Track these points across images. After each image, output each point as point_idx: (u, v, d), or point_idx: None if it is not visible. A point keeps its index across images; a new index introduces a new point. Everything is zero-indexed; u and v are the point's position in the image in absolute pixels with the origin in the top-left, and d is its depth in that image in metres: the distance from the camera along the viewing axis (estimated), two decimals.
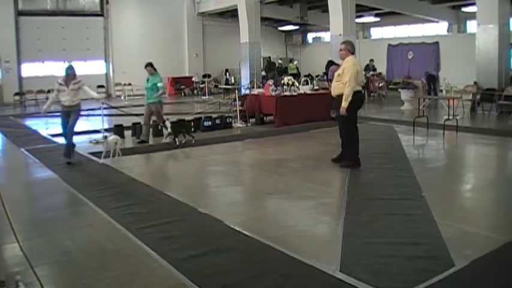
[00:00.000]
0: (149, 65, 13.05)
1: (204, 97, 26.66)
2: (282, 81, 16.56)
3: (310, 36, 38.35)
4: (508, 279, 4.64)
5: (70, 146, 10.38)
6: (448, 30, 29.76)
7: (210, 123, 14.75)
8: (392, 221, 6.28)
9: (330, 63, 17.18)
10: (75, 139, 10.90)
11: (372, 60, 27.30)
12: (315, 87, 17.63)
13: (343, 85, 8.96)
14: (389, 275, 4.68)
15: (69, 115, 10.20)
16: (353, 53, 9.25)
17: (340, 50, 9.27)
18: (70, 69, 10.42)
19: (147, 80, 13.03)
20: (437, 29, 30.24)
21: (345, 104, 8.90)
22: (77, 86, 10.24)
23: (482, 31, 17.58)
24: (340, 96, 9.03)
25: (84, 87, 10.43)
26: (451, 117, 13.43)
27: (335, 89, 9.22)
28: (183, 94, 29.04)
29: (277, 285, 4.57)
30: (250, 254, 5.31)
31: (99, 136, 13.34)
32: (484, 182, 8.77)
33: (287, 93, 15.74)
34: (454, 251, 5.16)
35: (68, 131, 10.24)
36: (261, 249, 5.42)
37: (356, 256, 5.16)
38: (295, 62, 32.91)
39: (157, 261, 5.16)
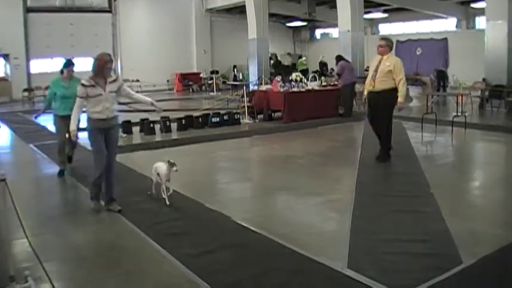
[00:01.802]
0: (71, 64, 9.22)
1: (212, 93, 26.69)
2: (290, 77, 16.55)
3: (318, 33, 38.24)
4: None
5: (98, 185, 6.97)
6: (456, 27, 29.59)
7: (218, 119, 14.75)
8: (401, 217, 6.27)
9: (339, 58, 17.13)
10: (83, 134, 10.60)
11: None
12: (323, 84, 17.58)
13: (389, 80, 9.23)
14: (397, 272, 4.68)
15: (108, 135, 6.77)
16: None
17: (381, 46, 9.47)
18: (70, 64, 9.12)
19: (63, 86, 9.02)
20: (446, 25, 30.07)
21: (402, 99, 9.28)
22: (117, 86, 6.82)
23: (491, 27, 17.47)
24: (384, 91, 9.25)
25: (126, 88, 7.15)
26: (459, 114, 13.39)
27: (381, 83, 9.29)
28: (191, 90, 29.06)
29: (285, 282, 4.58)
30: (258, 251, 5.32)
31: None
32: (492, 179, 8.74)
33: (295, 89, 15.72)
34: (462, 249, 5.15)
35: (111, 165, 6.85)
36: (269, 246, 5.43)
37: (364, 253, 5.16)
38: (304, 58, 32.83)
39: (166, 257, 5.18)
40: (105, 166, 6.70)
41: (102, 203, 6.98)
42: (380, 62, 9.33)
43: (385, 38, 9.69)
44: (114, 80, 6.81)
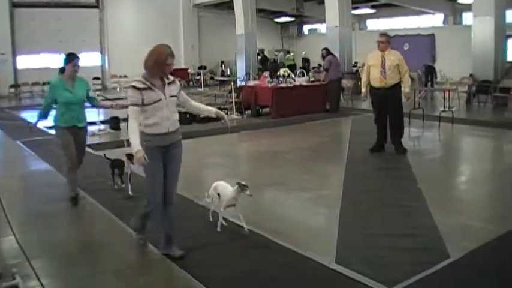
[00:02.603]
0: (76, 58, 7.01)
1: (200, 89, 26.58)
2: (278, 73, 16.56)
3: (306, 28, 38.25)
4: (504, 270, 4.66)
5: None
6: (444, 22, 29.70)
7: (206, 115, 14.70)
8: (389, 212, 6.30)
9: (326, 50, 17.08)
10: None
11: None
12: (311, 79, 17.60)
13: (397, 75, 9.44)
14: (385, 266, 4.70)
15: (169, 155, 5.13)
16: None
17: (382, 42, 9.64)
18: (74, 58, 6.94)
19: (67, 88, 6.93)
20: (433, 20, 30.20)
21: (409, 89, 9.75)
22: (177, 89, 5.20)
23: (478, 23, 17.54)
24: (395, 86, 9.45)
25: (183, 93, 5.40)
26: (446, 109, 13.44)
27: (392, 79, 9.44)
28: None
29: (274, 277, 4.60)
30: (248, 247, 5.33)
31: (94, 128, 13.30)
32: (479, 173, 8.80)
33: (283, 85, 15.73)
34: (450, 243, 5.19)
35: (171, 195, 5.19)
36: (258, 242, 5.43)
37: (352, 248, 5.18)
38: (292, 54, 32.83)
39: (156, 254, 5.16)
40: (163, 196, 5.06)
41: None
42: (384, 58, 9.43)
43: (385, 34, 9.88)
44: (173, 81, 5.14)
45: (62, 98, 6.84)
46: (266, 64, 27.23)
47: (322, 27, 32.58)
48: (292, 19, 35.07)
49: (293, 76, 16.83)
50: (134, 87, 4.86)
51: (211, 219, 6.09)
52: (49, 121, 7.45)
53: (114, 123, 13.54)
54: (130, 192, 7.27)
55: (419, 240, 5.35)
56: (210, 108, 5.64)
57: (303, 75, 17.53)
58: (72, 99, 6.88)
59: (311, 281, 4.54)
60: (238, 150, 11.65)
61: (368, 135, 11.65)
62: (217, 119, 5.54)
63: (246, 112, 15.94)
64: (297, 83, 16.35)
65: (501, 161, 10.21)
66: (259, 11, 27.72)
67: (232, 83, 17.23)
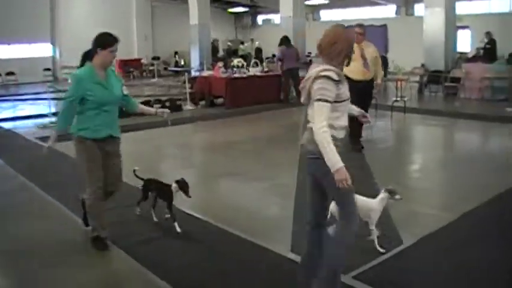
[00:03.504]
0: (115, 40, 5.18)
1: (154, 80, 26.32)
2: (232, 63, 16.53)
3: (260, 18, 38.24)
4: (454, 255, 4.76)
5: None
6: (396, 13, 30.10)
7: (159, 105, 14.56)
8: None
9: (285, 39, 17.08)
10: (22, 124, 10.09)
11: None
12: (265, 69, 17.62)
13: (373, 67, 9.23)
14: None
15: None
16: None
17: (361, 34, 9.22)
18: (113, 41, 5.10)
19: (100, 82, 4.96)
20: (386, 11, 30.57)
21: (380, 81, 9.63)
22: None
23: (429, 14, 17.82)
24: (372, 79, 9.27)
25: None
26: (398, 99, 13.64)
27: (372, 71, 9.26)
28: (132, 77, 28.54)
29: (230, 268, 4.60)
30: (203, 237, 5.32)
31: (46, 121, 13.04)
32: (431, 162, 8.96)
33: (237, 75, 15.72)
34: (403, 230, 5.29)
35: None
36: (214, 232, 5.43)
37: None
38: (246, 44, 32.72)
39: (113, 248, 5.09)
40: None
41: None
42: (363, 50, 9.15)
43: (362, 25, 9.54)
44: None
45: (95, 95, 4.82)
46: (216, 54, 27.13)
47: (276, 18, 32.61)
48: (246, 9, 35.01)
49: (247, 66, 16.83)
50: (330, 78, 3.69)
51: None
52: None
53: None
54: (178, 229, 5.43)
55: (369, 228, 5.41)
56: None
57: (257, 66, 17.53)
58: (108, 97, 4.94)
59: (267, 270, 4.55)
60: (193, 141, 11.60)
61: None
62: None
63: (200, 103, 15.87)
64: (251, 73, 16.35)
65: (452, 149, 10.43)
66: (213, 1, 27.56)
67: (186, 74, 17.08)
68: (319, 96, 3.64)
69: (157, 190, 5.78)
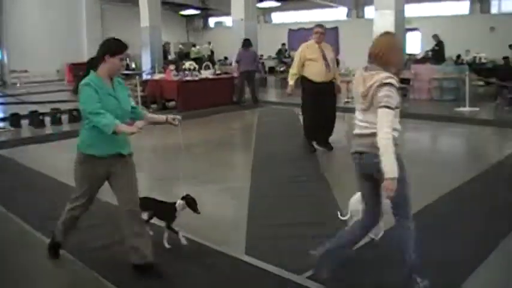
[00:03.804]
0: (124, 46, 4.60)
1: None
2: (184, 66, 16.46)
3: (211, 21, 38.21)
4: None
5: None
6: (347, 16, 30.52)
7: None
8: (296, 202, 6.39)
9: (245, 42, 17.10)
10: None
11: (284, 45, 27.60)
12: (217, 72, 17.62)
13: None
14: (294, 255, 4.75)
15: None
16: None
17: (322, 33, 9.25)
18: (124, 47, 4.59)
19: (108, 92, 4.50)
20: (337, 14, 30.94)
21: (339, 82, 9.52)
22: None
23: (379, 17, 18.05)
24: (332, 80, 9.20)
25: None
26: (350, 100, 13.79)
27: (332, 73, 9.21)
28: None
29: (185, 272, 4.57)
30: (156, 242, 5.24)
31: None
32: None
33: (189, 78, 15.65)
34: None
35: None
36: (168, 236, 5.36)
37: (261, 238, 5.22)
38: (198, 47, 32.62)
39: (64, 254, 4.98)
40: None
41: None
42: (323, 51, 9.11)
43: (322, 25, 9.51)
44: None
45: (105, 108, 4.31)
46: (166, 57, 26.97)
47: (228, 20, 32.64)
48: (197, 12, 34.91)
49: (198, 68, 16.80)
50: (394, 85, 3.87)
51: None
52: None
53: (14, 120, 13.00)
54: (184, 241, 5.06)
55: (326, 228, 5.45)
56: None
57: (209, 68, 17.49)
58: (118, 109, 4.47)
59: (222, 273, 4.53)
60: (145, 144, 11.45)
61: (274, 126, 11.82)
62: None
63: (152, 106, 15.74)
64: (203, 76, 16.31)
65: (402, 149, 10.55)
66: (164, 3, 27.36)
67: (137, 77, 16.93)
68: (385, 103, 3.80)
69: (155, 209, 5.24)
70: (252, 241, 5.13)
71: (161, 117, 5.09)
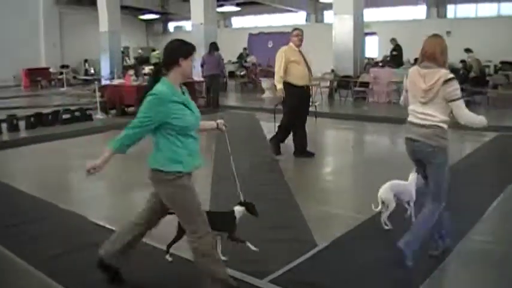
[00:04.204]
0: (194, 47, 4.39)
1: (63, 89, 25.59)
2: (143, 71, 16.33)
3: (171, 25, 38.05)
4: (367, 254, 4.87)
5: None
6: (306, 20, 30.73)
7: (69, 115, 14.17)
8: (258, 207, 6.37)
9: (211, 46, 17.10)
10: None
11: (245, 49, 27.66)
12: None
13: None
14: (257, 259, 4.73)
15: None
16: None
17: (302, 36, 9.25)
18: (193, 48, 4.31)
19: (184, 104, 4.06)
20: (296, 18, 31.11)
21: None
22: None
23: (338, 21, 18.26)
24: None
25: None
26: (310, 104, 13.84)
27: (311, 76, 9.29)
28: (39, 86, 27.63)
29: (148, 278, 4.56)
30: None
31: None
32: (342, 164, 9.17)
33: None
34: (317, 232, 5.36)
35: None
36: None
37: (223, 244, 5.19)
38: (157, 51, 32.40)
39: (19, 263, 4.87)
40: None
41: None
42: (303, 54, 9.11)
43: (300, 28, 9.44)
44: None
45: (182, 119, 3.94)
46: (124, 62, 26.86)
47: (187, 25, 32.55)
48: (157, 16, 34.75)
49: None
50: (456, 78, 4.45)
51: (387, 227, 5.44)
52: None
53: None
54: (253, 247, 4.71)
55: (288, 232, 5.48)
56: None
57: None
58: (193, 117, 4.06)
59: (184, 279, 4.51)
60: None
61: (235, 131, 11.80)
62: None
63: (111, 112, 15.54)
64: None
65: (362, 151, 10.71)
66: (123, 7, 27.19)
67: (96, 82, 16.73)
68: (458, 96, 4.39)
69: (212, 221, 4.29)
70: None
71: (211, 123, 4.69)
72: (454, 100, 4.35)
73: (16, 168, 9.72)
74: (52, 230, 5.76)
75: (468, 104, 5.67)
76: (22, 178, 8.02)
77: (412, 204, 5.49)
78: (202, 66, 16.70)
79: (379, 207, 5.43)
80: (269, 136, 11.13)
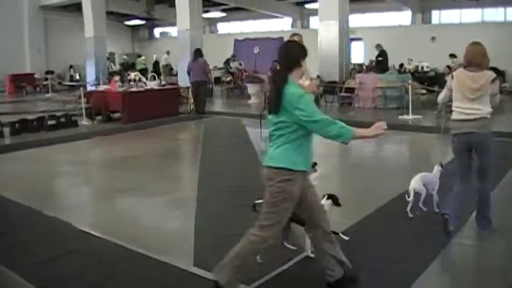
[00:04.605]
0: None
1: (48, 95, 25.43)
2: (129, 77, 16.28)
3: (157, 31, 38.02)
4: (353, 259, 4.86)
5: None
6: (292, 26, 30.82)
7: (54, 121, 14.07)
8: (242, 212, 6.37)
9: (195, 52, 17.14)
10: None
11: (233, 56, 27.71)
12: (162, 83, 17.54)
13: None
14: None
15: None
16: None
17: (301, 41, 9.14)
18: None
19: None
20: (282, 24, 31.21)
21: None
22: None
23: (324, 27, 18.33)
24: None
25: None
26: None
27: None
28: (24, 92, 27.44)
29: (134, 285, 4.50)
30: (104, 256, 5.16)
31: None
32: (327, 170, 9.15)
33: (134, 89, 15.48)
34: (304, 238, 5.34)
35: None
36: (114, 250, 5.27)
37: (209, 249, 5.19)
38: (143, 57, 32.30)
39: (4, 271, 4.81)
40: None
41: None
42: None
43: (298, 34, 9.52)
44: None
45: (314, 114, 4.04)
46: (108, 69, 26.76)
47: (173, 31, 32.53)
48: (143, 22, 34.68)
49: (144, 80, 16.61)
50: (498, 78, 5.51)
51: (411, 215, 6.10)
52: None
53: None
54: (345, 237, 5.34)
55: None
56: None
57: (155, 79, 17.35)
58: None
59: (170, 286, 4.48)
60: (90, 157, 11.28)
61: (220, 137, 11.81)
62: None
63: (97, 118, 15.46)
64: (149, 87, 16.16)
65: (347, 156, 10.73)
66: (109, 13, 27.13)
67: (81, 88, 16.64)
68: (498, 91, 5.51)
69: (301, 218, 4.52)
70: (200, 252, 5.09)
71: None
72: (496, 94, 5.46)
73: (0, 174, 9.64)
74: (37, 237, 5.72)
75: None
76: (7, 185, 7.94)
77: (435, 191, 6.19)
78: (188, 73, 16.70)
79: (411, 197, 6.06)
80: (255, 141, 11.18)
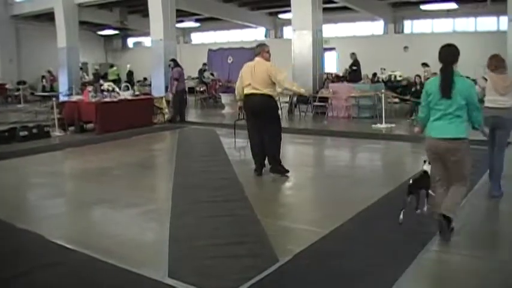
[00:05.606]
0: None
1: (19, 105, 25.17)
2: (102, 87, 16.18)
3: (130, 41, 37.88)
4: (328, 267, 4.89)
5: None
6: (265, 36, 30.96)
7: (26, 132, 13.93)
8: (218, 222, 6.36)
9: (173, 62, 17.51)
10: None
11: (204, 64, 27.71)
12: (136, 93, 17.48)
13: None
14: (218, 275, 4.73)
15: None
16: None
17: (268, 52, 9.67)
18: None
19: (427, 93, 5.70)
20: (256, 34, 31.31)
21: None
22: None
23: (297, 37, 18.45)
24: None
25: None
26: None
27: None
28: None
29: None
30: (77, 268, 5.10)
31: None
32: (302, 179, 9.20)
33: (107, 99, 15.38)
34: (278, 247, 5.36)
35: None
36: (88, 262, 5.21)
37: (184, 260, 5.17)
38: (116, 67, 32.14)
39: None
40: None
41: None
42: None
43: (266, 44, 9.76)
44: None
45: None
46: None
47: (147, 40, 32.42)
48: (116, 32, 34.52)
49: (118, 90, 16.52)
50: None
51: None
52: None
53: None
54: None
55: (249, 247, 5.46)
56: None
57: (128, 89, 17.28)
58: None
59: None
60: (63, 168, 11.17)
61: (195, 147, 11.80)
62: None
63: (70, 128, 15.32)
64: (122, 97, 16.08)
65: (322, 166, 10.79)
66: (81, 23, 26.95)
67: (54, 99, 16.48)
68: None
69: (421, 184, 6.30)
70: (175, 263, 5.06)
71: None
72: None
73: None
74: (9, 250, 5.63)
75: None
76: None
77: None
78: (176, 80, 16.82)
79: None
80: (229, 151, 11.18)
